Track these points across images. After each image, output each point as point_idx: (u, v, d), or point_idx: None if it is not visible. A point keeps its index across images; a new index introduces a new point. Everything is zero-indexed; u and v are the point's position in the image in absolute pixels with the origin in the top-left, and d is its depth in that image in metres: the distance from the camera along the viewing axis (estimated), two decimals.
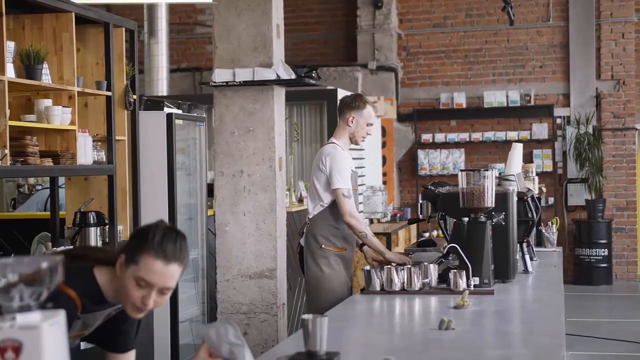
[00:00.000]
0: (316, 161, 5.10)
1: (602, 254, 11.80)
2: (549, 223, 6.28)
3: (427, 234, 9.66)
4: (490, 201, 4.31)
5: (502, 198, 4.46)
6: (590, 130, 11.95)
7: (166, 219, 6.13)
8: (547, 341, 3.06)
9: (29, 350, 1.72)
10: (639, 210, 12.33)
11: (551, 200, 12.13)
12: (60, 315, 1.81)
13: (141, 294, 2.47)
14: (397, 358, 2.64)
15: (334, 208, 5.00)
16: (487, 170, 4.35)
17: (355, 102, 5.16)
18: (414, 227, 10.77)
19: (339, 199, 4.95)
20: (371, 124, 5.17)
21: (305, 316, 2.60)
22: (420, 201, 5.06)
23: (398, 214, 10.35)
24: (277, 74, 5.28)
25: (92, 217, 5.37)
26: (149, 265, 2.45)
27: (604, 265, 11.83)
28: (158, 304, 2.53)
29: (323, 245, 5.01)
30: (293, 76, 5.33)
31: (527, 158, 11.92)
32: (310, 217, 5.10)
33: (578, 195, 12.16)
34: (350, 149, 9.01)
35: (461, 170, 4.39)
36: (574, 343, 8.04)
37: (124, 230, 5.85)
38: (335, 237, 5.04)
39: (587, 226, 11.87)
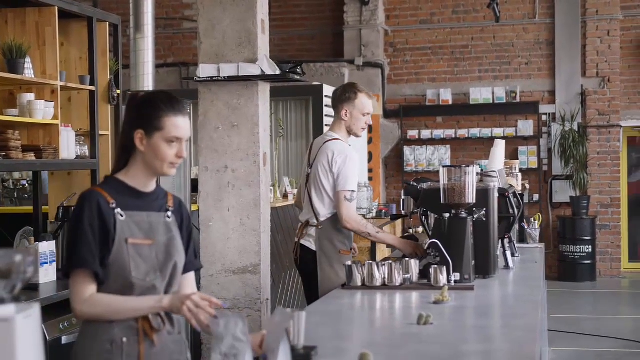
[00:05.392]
0: (322, 159, 4.90)
1: (586, 251, 11.86)
2: (532, 220, 6.31)
3: (411, 230, 9.67)
4: (471, 197, 4.33)
5: (483, 194, 4.48)
6: (576, 128, 12.01)
7: None
8: (522, 335, 3.09)
9: (2, 343, 1.72)
10: (623, 207, 12.41)
11: (536, 197, 12.18)
12: (35, 308, 1.82)
13: (174, 151, 2.86)
14: (375, 352, 2.66)
15: None
16: (469, 166, 4.37)
17: (346, 93, 4.94)
18: (399, 223, 10.79)
19: (339, 201, 4.77)
20: (367, 113, 4.95)
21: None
22: (403, 197, 5.05)
23: (384, 210, 10.36)
24: (262, 70, 5.26)
25: None
26: (174, 124, 2.84)
27: (588, 261, 11.90)
28: (185, 155, 2.93)
29: (341, 251, 4.88)
30: (277, 72, 5.30)
31: (513, 155, 11.98)
32: (321, 219, 4.88)
33: (563, 192, 12.21)
34: None
35: (443, 166, 4.40)
36: (557, 339, 8.09)
37: None
38: (349, 239, 4.94)
39: (572, 223, 11.93)
